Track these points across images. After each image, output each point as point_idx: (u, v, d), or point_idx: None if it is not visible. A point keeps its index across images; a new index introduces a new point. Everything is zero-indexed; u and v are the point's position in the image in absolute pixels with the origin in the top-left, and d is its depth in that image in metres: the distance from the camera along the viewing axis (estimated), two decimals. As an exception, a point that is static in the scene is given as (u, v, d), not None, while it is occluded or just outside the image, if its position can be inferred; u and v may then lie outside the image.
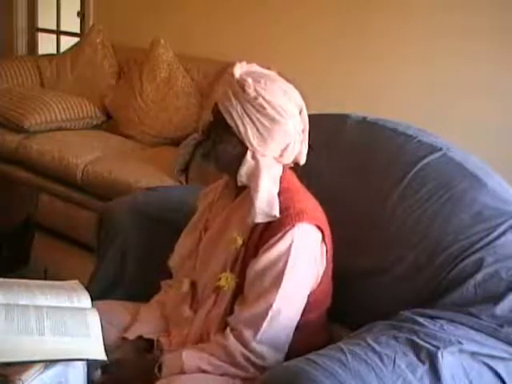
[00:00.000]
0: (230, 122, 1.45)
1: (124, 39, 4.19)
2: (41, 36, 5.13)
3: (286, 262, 1.41)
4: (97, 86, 4.09)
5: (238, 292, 1.48)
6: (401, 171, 1.69)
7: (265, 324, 1.40)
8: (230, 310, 1.49)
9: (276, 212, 1.42)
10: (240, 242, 1.48)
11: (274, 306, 1.40)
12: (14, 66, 4.30)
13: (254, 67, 1.52)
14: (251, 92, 1.43)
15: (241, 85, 1.44)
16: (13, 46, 5.03)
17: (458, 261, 1.52)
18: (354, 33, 3.34)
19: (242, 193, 1.54)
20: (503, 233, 1.53)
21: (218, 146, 1.50)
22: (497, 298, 1.46)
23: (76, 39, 4.63)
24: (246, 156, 1.47)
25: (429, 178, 1.65)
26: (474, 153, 1.73)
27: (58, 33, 5.00)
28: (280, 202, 1.44)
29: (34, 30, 5.10)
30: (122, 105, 3.91)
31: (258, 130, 1.45)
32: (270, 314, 1.40)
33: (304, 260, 1.44)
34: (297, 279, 1.43)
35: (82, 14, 4.74)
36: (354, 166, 1.78)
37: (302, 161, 1.56)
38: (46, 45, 5.06)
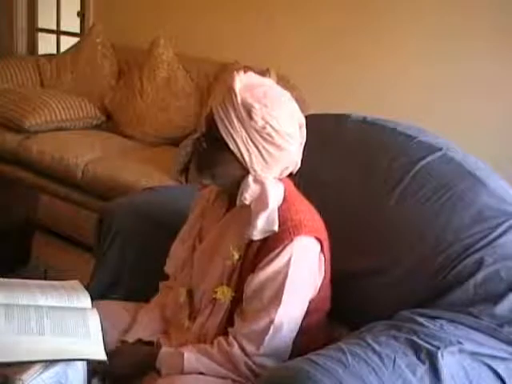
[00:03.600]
0: (233, 148, 1.40)
1: (124, 39, 4.19)
2: (41, 36, 5.12)
3: (286, 276, 1.40)
4: (97, 86, 4.09)
5: (235, 304, 1.47)
6: (401, 171, 1.69)
7: (267, 339, 1.40)
8: (226, 320, 1.48)
9: (275, 227, 1.40)
10: (237, 256, 1.47)
11: (276, 321, 1.39)
12: (14, 65, 4.30)
13: (252, 77, 1.47)
14: (259, 120, 1.38)
15: (247, 110, 1.38)
16: (13, 46, 5.03)
17: (458, 261, 1.52)
18: (354, 33, 3.34)
19: (236, 205, 1.51)
20: (503, 233, 1.53)
21: (217, 167, 1.45)
22: (497, 298, 1.46)
23: (76, 39, 4.63)
24: (247, 179, 1.43)
25: (429, 177, 1.65)
26: (474, 153, 1.73)
27: (58, 33, 4.99)
28: (278, 215, 1.42)
29: (34, 30, 5.10)
30: (122, 105, 3.91)
31: (263, 157, 1.41)
32: (271, 329, 1.39)
33: (303, 273, 1.43)
34: (296, 293, 1.43)
35: (82, 14, 4.74)
36: (354, 166, 1.78)
37: (296, 170, 1.53)
38: (46, 45, 5.06)
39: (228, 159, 1.43)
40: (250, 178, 1.43)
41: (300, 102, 1.51)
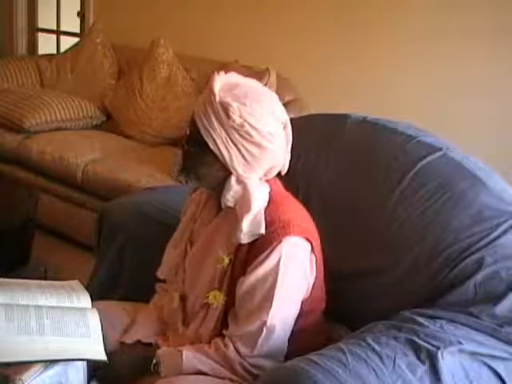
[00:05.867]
0: (213, 148, 1.40)
1: (124, 39, 4.19)
2: (41, 36, 5.13)
3: (276, 278, 1.39)
4: (97, 86, 4.09)
5: (228, 308, 1.47)
6: (401, 171, 1.69)
7: (260, 340, 1.40)
8: (220, 325, 1.48)
9: (262, 230, 1.39)
10: (227, 261, 1.46)
11: (268, 322, 1.39)
12: (14, 65, 4.30)
13: (234, 77, 1.46)
14: (237, 119, 1.38)
15: (224, 109, 1.39)
16: (13, 46, 5.03)
17: (458, 261, 1.52)
18: (354, 33, 3.34)
19: (222, 206, 1.50)
20: (503, 233, 1.53)
21: (200, 168, 1.45)
22: (497, 298, 1.46)
23: (76, 39, 4.63)
24: (229, 180, 1.43)
25: (429, 177, 1.65)
26: (474, 153, 1.73)
27: (58, 33, 5.00)
28: (264, 216, 1.41)
29: (34, 30, 5.10)
30: (121, 105, 3.91)
31: (243, 156, 1.41)
32: (264, 330, 1.39)
33: (294, 273, 1.43)
34: (288, 293, 1.42)
35: (82, 14, 4.74)
36: (354, 167, 1.78)
37: (285, 170, 1.53)
38: (46, 45, 5.06)
39: (210, 160, 1.43)
40: (233, 179, 1.43)
41: (300, 101, 1.50)
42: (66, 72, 4.24)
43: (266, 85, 2.73)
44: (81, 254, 3.17)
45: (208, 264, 1.51)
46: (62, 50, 4.78)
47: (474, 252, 1.52)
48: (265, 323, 1.39)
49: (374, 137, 1.80)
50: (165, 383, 1.43)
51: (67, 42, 4.76)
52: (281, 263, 1.39)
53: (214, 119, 1.40)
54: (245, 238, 1.41)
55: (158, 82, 3.78)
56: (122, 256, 1.93)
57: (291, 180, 1.60)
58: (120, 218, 1.96)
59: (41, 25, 5.10)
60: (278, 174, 1.53)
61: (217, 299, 1.47)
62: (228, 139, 1.40)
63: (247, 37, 3.73)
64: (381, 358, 1.28)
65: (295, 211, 1.48)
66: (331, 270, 1.57)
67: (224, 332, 1.45)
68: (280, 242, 1.40)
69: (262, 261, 1.40)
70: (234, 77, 1.47)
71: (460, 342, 1.36)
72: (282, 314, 1.42)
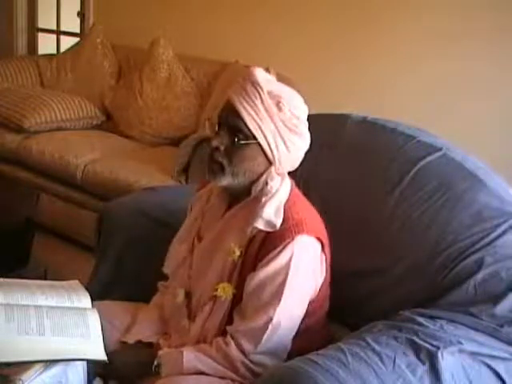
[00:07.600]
0: (261, 141, 1.40)
1: (124, 39, 4.19)
2: (41, 36, 5.13)
3: (286, 276, 1.39)
4: (97, 86, 4.09)
5: (236, 302, 1.46)
6: (401, 171, 1.69)
7: (265, 337, 1.40)
8: (227, 319, 1.47)
9: (279, 222, 1.40)
10: (238, 253, 1.46)
11: (274, 319, 1.39)
12: (14, 65, 4.30)
13: (262, 71, 1.47)
14: (287, 111, 1.40)
15: (276, 102, 1.40)
16: (13, 46, 5.03)
17: (458, 261, 1.52)
18: (354, 33, 3.34)
19: (239, 203, 1.51)
20: (503, 233, 1.53)
21: (241, 163, 1.43)
22: (497, 298, 1.46)
23: (76, 39, 4.63)
24: (270, 171, 1.44)
25: (429, 177, 1.65)
26: (474, 153, 1.73)
27: (58, 33, 5.00)
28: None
29: (34, 30, 5.10)
30: (122, 105, 3.91)
31: (287, 148, 1.43)
32: (269, 327, 1.39)
33: (304, 273, 1.43)
34: (296, 292, 1.42)
35: (82, 14, 4.74)
36: (354, 167, 1.78)
37: (295, 166, 1.54)
38: (46, 45, 5.06)
39: (254, 154, 1.43)
40: (273, 170, 1.45)
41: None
42: (66, 72, 4.24)
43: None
44: (81, 253, 3.17)
45: (218, 257, 1.51)
46: (62, 49, 4.78)
47: (474, 252, 1.52)
48: (271, 320, 1.39)
49: (373, 137, 1.80)
50: (165, 383, 1.43)
51: (67, 42, 4.76)
52: (292, 261, 1.40)
53: (264, 112, 1.40)
54: (261, 224, 1.41)
55: (158, 82, 3.78)
56: (122, 256, 1.93)
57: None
58: (120, 218, 1.96)
59: (41, 25, 5.10)
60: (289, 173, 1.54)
61: (225, 292, 1.47)
62: (276, 131, 1.41)
63: (247, 37, 3.73)
64: (381, 357, 1.28)
65: (307, 210, 1.49)
66: (331, 270, 1.57)
67: (227, 328, 1.45)
68: (292, 239, 1.40)
69: (274, 257, 1.40)
70: (261, 71, 1.47)
71: (460, 342, 1.36)
72: (289, 313, 1.42)
